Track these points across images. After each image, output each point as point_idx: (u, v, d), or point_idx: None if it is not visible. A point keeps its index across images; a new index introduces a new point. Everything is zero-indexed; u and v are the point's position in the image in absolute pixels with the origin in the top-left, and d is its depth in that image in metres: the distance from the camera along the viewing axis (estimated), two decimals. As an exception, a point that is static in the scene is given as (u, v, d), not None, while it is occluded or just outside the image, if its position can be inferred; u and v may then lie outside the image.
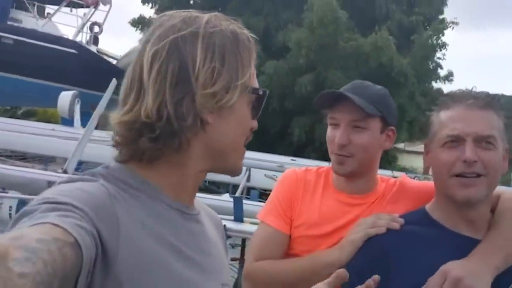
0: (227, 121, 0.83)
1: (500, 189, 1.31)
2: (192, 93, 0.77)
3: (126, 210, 0.74)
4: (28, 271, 0.53)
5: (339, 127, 1.39)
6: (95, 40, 18.03)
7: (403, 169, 11.57)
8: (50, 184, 3.46)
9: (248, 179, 5.34)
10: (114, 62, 19.01)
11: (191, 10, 0.86)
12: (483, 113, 1.18)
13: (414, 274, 1.14)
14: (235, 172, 0.90)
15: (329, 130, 1.44)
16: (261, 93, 0.87)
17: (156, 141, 0.77)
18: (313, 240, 1.40)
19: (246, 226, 3.03)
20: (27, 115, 21.21)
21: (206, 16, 0.84)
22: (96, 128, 5.18)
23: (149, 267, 0.72)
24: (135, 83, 0.79)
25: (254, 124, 0.89)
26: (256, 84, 0.87)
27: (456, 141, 1.17)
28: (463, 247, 1.17)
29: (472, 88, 1.26)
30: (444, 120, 1.21)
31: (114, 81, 4.82)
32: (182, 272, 0.78)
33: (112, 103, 5.00)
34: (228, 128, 0.83)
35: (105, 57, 18.30)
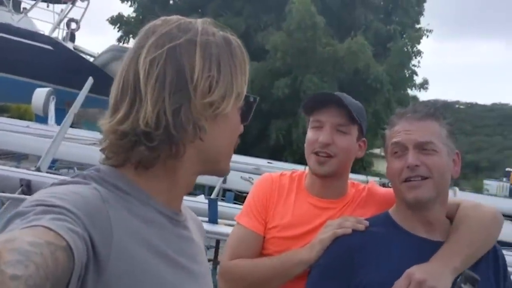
0: (220, 128, 0.84)
1: (458, 198, 1.43)
2: (190, 102, 0.78)
3: (118, 215, 0.74)
4: (20, 273, 0.53)
5: (322, 129, 1.47)
6: (71, 37, 17.76)
7: (377, 174, 11.73)
8: (22, 181, 3.40)
9: (224, 181, 5.33)
10: (91, 59, 18.78)
11: (180, 16, 0.87)
12: (421, 123, 1.32)
13: (376, 272, 1.25)
14: (224, 174, 0.94)
15: (311, 132, 1.50)
16: (251, 100, 0.91)
17: (153, 150, 0.77)
18: (286, 241, 1.47)
19: (221, 228, 3.04)
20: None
21: (199, 23, 0.84)
22: (71, 126, 5.10)
23: (140, 274, 0.73)
24: (128, 90, 0.78)
25: (241, 128, 0.91)
26: (245, 90, 0.89)
27: (401, 150, 1.31)
28: (420, 248, 1.28)
29: (434, 101, 1.40)
30: (391, 134, 1.36)
31: (90, 80, 4.76)
32: (172, 279, 0.78)
33: (87, 102, 4.97)
34: (221, 134, 0.85)
35: (81, 54, 18.06)
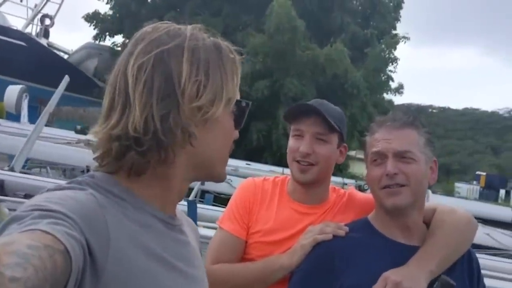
0: (212, 133, 0.84)
1: (434, 203, 1.48)
2: (178, 107, 0.78)
3: (115, 220, 0.74)
4: (19, 276, 0.53)
5: (302, 138, 1.50)
6: (45, 33, 17.39)
7: (353, 176, 11.87)
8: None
9: (202, 183, 5.32)
10: (65, 56, 18.45)
11: (171, 23, 0.87)
12: (400, 132, 1.35)
13: (355, 275, 1.28)
14: (220, 180, 0.93)
15: (292, 141, 1.54)
16: (244, 104, 0.90)
17: (143, 155, 0.77)
18: (268, 246, 1.49)
19: (200, 230, 3.04)
20: (-31, 108, 20.17)
21: (189, 29, 0.85)
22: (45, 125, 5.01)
23: (137, 278, 0.73)
24: (119, 96, 0.79)
25: (236, 134, 0.91)
26: (238, 95, 0.89)
27: (380, 158, 1.34)
28: (398, 253, 1.32)
29: (408, 105, 1.45)
30: (371, 142, 1.39)
31: (66, 78, 4.68)
32: (169, 283, 0.79)
33: (60, 100, 4.88)
34: (213, 140, 0.85)
35: (55, 51, 17.71)
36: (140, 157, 0.77)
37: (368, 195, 1.58)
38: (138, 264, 0.74)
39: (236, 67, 0.87)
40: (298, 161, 1.50)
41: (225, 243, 1.51)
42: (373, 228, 1.39)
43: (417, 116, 1.41)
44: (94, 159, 0.82)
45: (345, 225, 1.41)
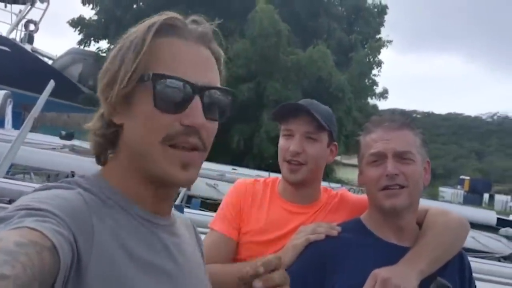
0: (130, 119, 0.80)
1: (426, 204, 1.47)
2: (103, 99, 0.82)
3: (100, 220, 0.74)
4: (8, 273, 0.53)
5: (293, 137, 1.51)
6: (30, 38, 17.24)
7: (339, 181, 11.94)
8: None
9: (188, 188, 5.31)
10: (50, 62, 18.28)
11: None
12: (399, 133, 1.34)
13: (348, 276, 1.27)
14: (167, 181, 0.80)
15: (282, 141, 1.54)
16: (172, 79, 0.77)
17: (96, 145, 0.85)
18: (259, 246, 1.49)
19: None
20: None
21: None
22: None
23: (118, 279, 0.72)
24: None
25: (186, 120, 0.77)
26: (164, 67, 0.78)
27: (379, 159, 1.33)
28: (389, 253, 1.31)
29: (393, 111, 1.46)
30: (368, 142, 1.38)
31: (51, 83, 4.63)
32: (150, 285, 0.77)
33: (45, 105, 4.83)
34: (133, 126, 0.80)
35: (40, 56, 17.54)
36: (94, 147, 0.85)
37: (360, 196, 1.58)
38: (120, 264, 0.73)
39: (138, 40, 0.79)
40: (288, 161, 1.50)
41: (216, 243, 1.50)
42: (365, 228, 1.39)
43: (413, 117, 1.42)
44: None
45: (338, 225, 1.40)
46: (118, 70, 0.78)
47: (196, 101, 0.78)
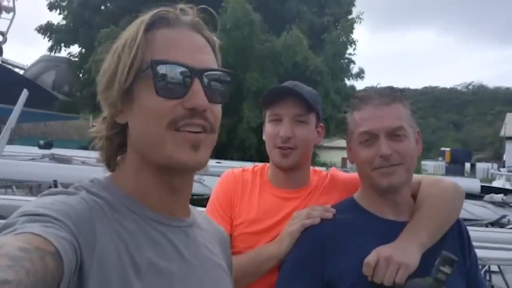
0: (134, 114, 0.80)
1: (419, 175, 1.45)
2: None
3: (105, 226, 0.73)
4: (11, 278, 0.53)
5: (281, 122, 1.47)
6: (-2, 50, 16.88)
7: (323, 164, 12.03)
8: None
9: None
10: (21, 72, 17.95)
11: None
12: (390, 109, 1.29)
13: (348, 257, 1.25)
14: (174, 165, 0.79)
15: (270, 126, 1.50)
16: (170, 64, 0.77)
17: (104, 148, 0.86)
18: (254, 236, 1.46)
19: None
20: None
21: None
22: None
23: (120, 285, 0.71)
24: None
25: (188, 103, 0.77)
26: (160, 56, 0.79)
27: (370, 138, 1.29)
28: (388, 230, 1.29)
29: (377, 85, 1.40)
30: (358, 120, 1.32)
31: (25, 92, 4.55)
32: None
33: (21, 116, 4.75)
34: (138, 120, 0.80)
35: (11, 67, 17.21)
36: (103, 150, 0.85)
37: (350, 174, 1.56)
38: (121, 269, 0.72)
39: (131, 33, 0.81)
40: (279, 147, 1.47)
41: None
42: (360, 207, 1.36)
43: (401, 89, 1.35)
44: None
45: (332, 206, 1.38)
46: (116, 68, 0.79)
47: (197, 84, 0.78)
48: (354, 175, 1.46)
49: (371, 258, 1.19)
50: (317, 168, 1.64)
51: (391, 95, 1.31)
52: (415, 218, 1.30)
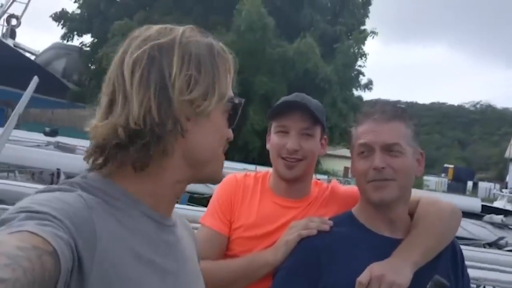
0: (203, 129, 0.84)
1: (418, 193, 1.47)
2: (170, 100, 0.79)
3: (103, 223, 0.73)
4: (7, 276, 0.53)
5: (288, 134, 1.50)
6: (12, 33, 16.99)
7: (325, 172, 12.02)
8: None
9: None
10: (33, 57, 18.04)
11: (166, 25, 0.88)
12: (388, 125, 1.33)
13: (342, 270, 1.27)
14: (215, 181, 0.92)
15: (276, 137, 1.52)
16: (237, 101, 0.89)
17: (144, 148, 0.77)
18: (251, 241, 1.48)
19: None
20: None
21: (181, 28, 0.86)
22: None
23: (122, 282, 0.72)
24: (119, 91, 0.80)
25: (230, 134, 0.90)
26: (231, 93, 0.88)
27: (366, 150, 1.33)
28: (383, 246, 1.31)
29: (386, 99, 1.44)
30: (358, 133, 1.37)
31: (35, 79, 4.58)
32: (158, 286, 0.79)
33: (29, 102, 4.78)
34: (204, 135, 0.84)
35: (22, 51, 17.29)
36: (141, 150, 0.77)
37: (351, 188, 1.58)
38: (123, 267, 0.73)
39: (229, 65, 0.88)
40: (284, 158, 1.49)
41: (207, 239, 1.49)
42: (357, 222, 1.39)
43: (405, 108, 1.38)
44: (85, 159, 0.81)
45: (329, 219, 1.40)
46: (213, 86, 0.83)
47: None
48: (354, 189, 1.48)
49: (363, 277, 1.21)
50: (319, 180, 1.66)
51: (392, 112, 1.35)
52: (410, 236, 1.32)
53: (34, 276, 0.56)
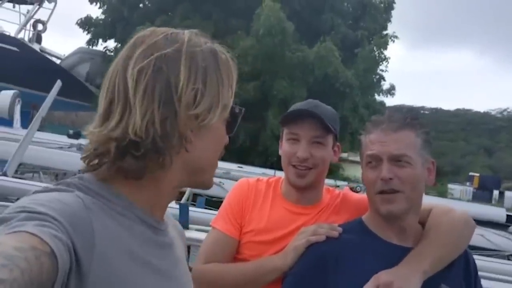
0: (205, 139, 0.84)
1: (431, 203, 1.45)
2: (176, 113, 0.77)
3: (101, 224, 0.73)
4: (5, 277, 0.54)
5: (299, 142, 1.49)
6: (38, 38, 17.38)
7: (345, 179, 11.90)
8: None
9: (192, 186, 5.29)
10: (58, 61, 18.39)
11: (169, 28, 0.86)
12: (396, 135, 1.31)
13: (350, 278, 1.26)
14: (207, 187, 0.93)
15: (287, 145, 1.52)
16: (237, 110, 0.91)
17: (142, 159, 0.76)
18: (261, 245, 1.49)
19: (192, 233, 3.03)
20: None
21: (187, 34, 0.84)
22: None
23: (121, 282, 0.73)
24: (118, 99, 0.78)
25: (227, 139, 0.91)
26: (231, 102, 0.89)
27: (374, 161, 1.32)
28: (392, 254, 1.30)
29: (398, 108, 1.43)
30: (366, 143, 1.36)
31: (59, 83, 4.67)
32: (153, 286, 0.79)
33: (52, 104, 4.88)
34: (206, 146, 0.85)
35: (48, 56, 17.67)
36: (137, 162, 0.76)
37: (362, 196, 1.57)
38: (122, 268, 0.74)
39: (231, 73, 0.88)
40: (294, 165, 1.49)
41: (217, 242, 1.50)
42: (367, 229, 1.37)
43: (416, 115, 1.36)
44: (81, 159, 0.81)
45: (339, 226, 1.39)
46: (218, 99, 0.83)
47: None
48: (365, 196, 1.46)
49: (371, 285, 1.20)
50: (330, 187, 1.65)
51: (401, 121, 1.32)
52: (420, 245, 1.31)
53: (32, 276, 0.57)
